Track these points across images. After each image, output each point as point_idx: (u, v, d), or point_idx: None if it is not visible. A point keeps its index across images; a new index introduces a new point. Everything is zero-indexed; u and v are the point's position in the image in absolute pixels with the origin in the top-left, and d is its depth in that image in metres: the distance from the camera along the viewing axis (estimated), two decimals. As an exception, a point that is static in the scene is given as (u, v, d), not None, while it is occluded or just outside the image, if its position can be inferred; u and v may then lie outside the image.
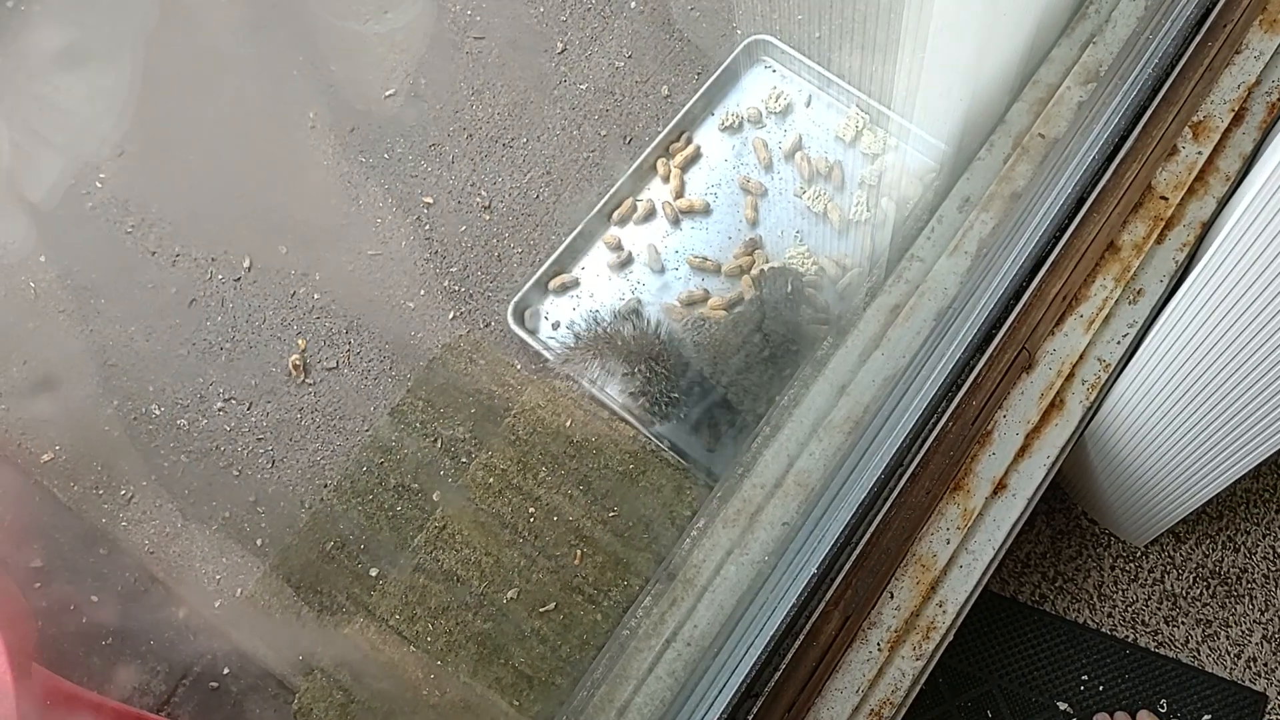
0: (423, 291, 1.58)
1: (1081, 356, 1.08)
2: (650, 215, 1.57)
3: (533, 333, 1.52)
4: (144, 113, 1.64)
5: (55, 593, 1.45)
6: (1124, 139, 1.13)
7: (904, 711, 0.99)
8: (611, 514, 1.38)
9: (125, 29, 1.68)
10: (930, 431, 1.04)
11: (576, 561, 1.35)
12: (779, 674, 0.98)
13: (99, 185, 1.63)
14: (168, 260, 1.59)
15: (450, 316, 1.56)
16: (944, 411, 1.05)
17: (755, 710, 0.97)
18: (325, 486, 1.47)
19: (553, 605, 1.34)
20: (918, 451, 1.04)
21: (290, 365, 1.53)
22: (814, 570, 0.97)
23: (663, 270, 1.55)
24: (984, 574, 1.03)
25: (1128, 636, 1.36)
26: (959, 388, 1.06)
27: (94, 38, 1.71)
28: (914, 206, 1.24)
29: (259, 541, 1.45)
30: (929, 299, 1.09)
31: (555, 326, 1.52)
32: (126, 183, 1.62)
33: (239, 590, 1.43)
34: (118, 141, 1.63)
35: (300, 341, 1.55)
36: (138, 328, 1.56)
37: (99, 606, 1.44)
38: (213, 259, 1.59)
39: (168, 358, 1.55)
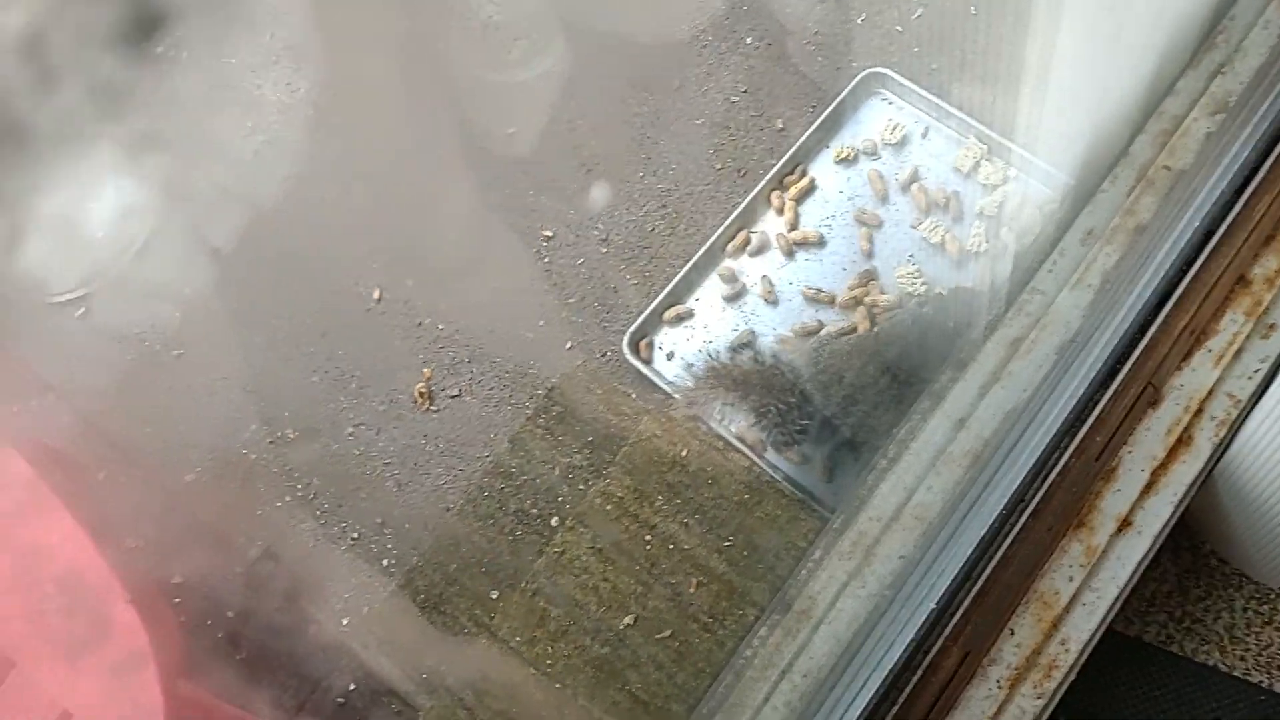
0: (541, 322, 1.62)
1: (1210, 392, 1.06)
2: (764, 247, 1.59)
3: (647, 363, 1.55)
4: (285, 154, 1.73)
5: (193, 608, 1.52)
6: (1254, 171, 1.11)
7: (1025, 750, 0.98)
8: (727, 543, 1.39)
9: (289, 75, 1.78)
10: (1053, 467, 1.04)
11: (692, 590, 1.37)
12: (896, 709, 0.98)
13: (244, 219, 1.72)
14: (304, 291, 1.67)
15: (568, 346, 1.60)
16: (1066, 447, 1.04)
17: (872, 744, 0.97)
18: (448, 510, 1.52)
19: (669, 632, 1.36)
20: (1039, 487, 1.03)
21: (416, 393, 1.59)
22: (933, 605, 0.97)
23: (776, 302, 1.56)
24: (1108, 612, 1.01)
25: (1262, 681, 1.31)
26: (1082, 423, 1.05)
27: (250, 82, 1.81)
28: (1034, 239, 1.23)
29: (385, 562, 1.51)
30: (1051, 332, 1.08)
31: (670, 357, 1.55)
32: (267, 218, 1.71)
33: (366, 609, 1.49)
34: (264, 177, 1.72)
35: (425, 370, 1.61)
36: (275, 356, 1.64)
37: (233, 622, 1.51)
38: (345, 291, 1.66)
39: (302, 384, 1.63)
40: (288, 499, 1.56)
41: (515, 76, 1.76)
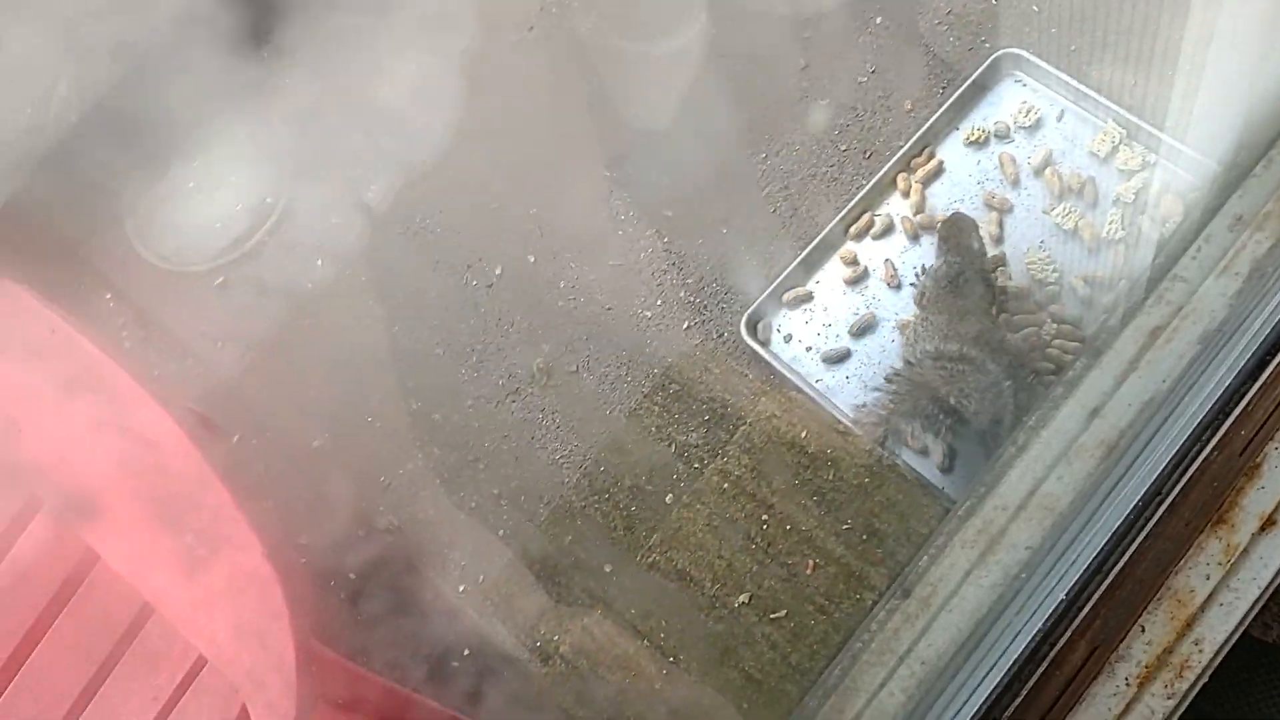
0: (660, 302, 1.63)
1: (1369, 388, 1.01)
2: (888, 230, 1.57)
3: (765, 345, 1.54)
4: (419, 127, 1.76)
5: (319, 570, 1.57)
6: None
7: (1153, 752, 0.95)
8: (845, 526, 1.38)
9: (436, 46, 1.80)
10: (1192, 460, 1.00)
11: (808, 571, 1.36)
12: (1019, 700, 0.96)
13: (383, 190, 1.76)
14: (428, 267, 1.71)
15: (685, 326, 1.60)
16: (1208, 440, 1.00)
17: (994, 735, 0.95)
18: (564, 484, 1.54)
19: (784, 612, 1.35)
20: (1178, 480, 0.99)
21: (534, 368, 1.61)
22: (1061, 597, 0.95)
23: (899, 286, 1.54)
24: (1247, 614, 0.97)
25: None
26: (1226, 415, 1.00)
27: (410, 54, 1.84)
28: (1177, 225, 1.19)
29: (501, 533, 1.54)
30: (1193, 321, 1.04)
31: (788, 340, 1.54)
32: (403, 191, 1.75)
33: (481, 577, 1.52)
34: (394, 155, 1.76)
35: (544, 346, 1.63)
36: (400, 328, 1.69)
37: (355, 584, 1.56)
38: (468, 266, 1.70)
39: (425, 357, 1.66)
40: (409, 467, 1.60)
41: (645, 51, 1.76)
